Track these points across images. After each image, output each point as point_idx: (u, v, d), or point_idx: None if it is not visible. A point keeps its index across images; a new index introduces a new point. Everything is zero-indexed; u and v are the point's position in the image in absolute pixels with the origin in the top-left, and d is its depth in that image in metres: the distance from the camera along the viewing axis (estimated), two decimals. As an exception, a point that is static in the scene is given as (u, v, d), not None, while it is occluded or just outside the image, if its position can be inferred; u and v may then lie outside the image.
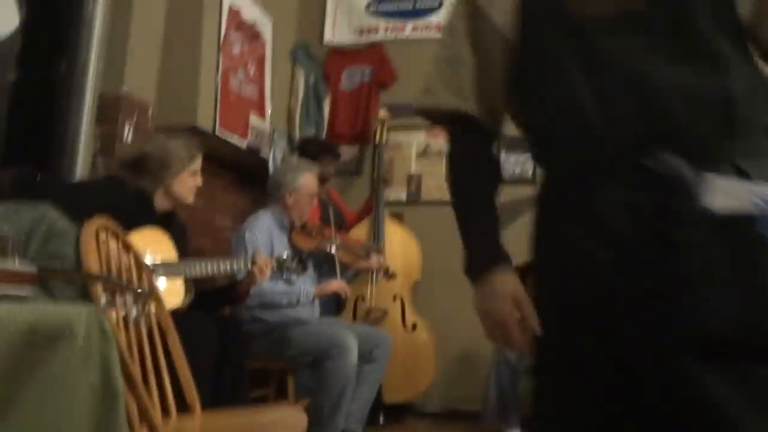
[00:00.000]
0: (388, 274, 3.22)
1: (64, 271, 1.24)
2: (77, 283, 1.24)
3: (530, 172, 3.72)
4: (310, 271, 2.85)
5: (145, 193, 2.05)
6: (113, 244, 1.53)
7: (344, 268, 2.99)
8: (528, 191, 3.70)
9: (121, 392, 1.12)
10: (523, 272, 3.61)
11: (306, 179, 2.78)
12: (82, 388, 1.07)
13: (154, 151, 2.07)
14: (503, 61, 0.95)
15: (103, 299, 1.17)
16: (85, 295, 1.29)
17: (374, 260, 3.12)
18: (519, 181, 3.72)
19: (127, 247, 1.59)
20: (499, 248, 0.98)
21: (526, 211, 4.35)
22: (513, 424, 2.75)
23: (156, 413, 1.34)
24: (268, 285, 2.38)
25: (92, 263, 1.29)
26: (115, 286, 1.17)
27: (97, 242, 1.38)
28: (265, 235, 2.67)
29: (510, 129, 3.95)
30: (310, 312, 2.75)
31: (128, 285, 1.22)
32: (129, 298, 1.23)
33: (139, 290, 1.36)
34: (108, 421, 1.04)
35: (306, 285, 2.71)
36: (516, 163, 3.75)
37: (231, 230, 3.52)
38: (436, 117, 1.04)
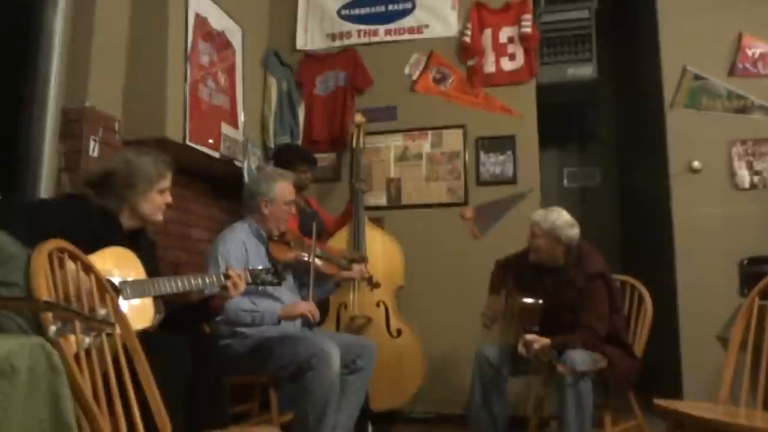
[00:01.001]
0: (373, 284, 3.14)
1: (10, 299, 1.16)
2: (27, 313, 1.16)
3: (510, 173, 3.70)
4: (290, 283, 2.78)
5: (109, 211, 1.97)
6: (72, 267, 1.46)
7: (326, 278, 2.91)
8: (508, 191, 3.70)
9: (73, 426, 1.05)
10: (506, 266, 3.57)
11: (281, 188, 2.71)
12: (31, 425, 1.01)
13: (119, 169, 1.98)
14: None
15: (52, 328, 1.10)
16: (38, 324, 1.22)
17: (357, 270, 3.04)
18: (499, 181, 3.70)
19: (88, 270, 1.52)
20: None
21: (509, 210, 4.32)
22: (500, 424, 2.69)
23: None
24: (233, 301, 2.28)
25: (42, 290, 1.21)
26: (66, 314, 1.10)
27: (51, 267, 1.31)
28: (239, 247, 2.59)
29: (490, 130, 3.92)
30: (292, 325, 2.69)
31: (79, 312, 1.15)
32: (80, 325, 1.16)
33: (93, 316, 1.28)
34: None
35: (276, 305, 2.59)
36: (496, 163, 3.71)
37: (207, 242, 3.45)
38: None
